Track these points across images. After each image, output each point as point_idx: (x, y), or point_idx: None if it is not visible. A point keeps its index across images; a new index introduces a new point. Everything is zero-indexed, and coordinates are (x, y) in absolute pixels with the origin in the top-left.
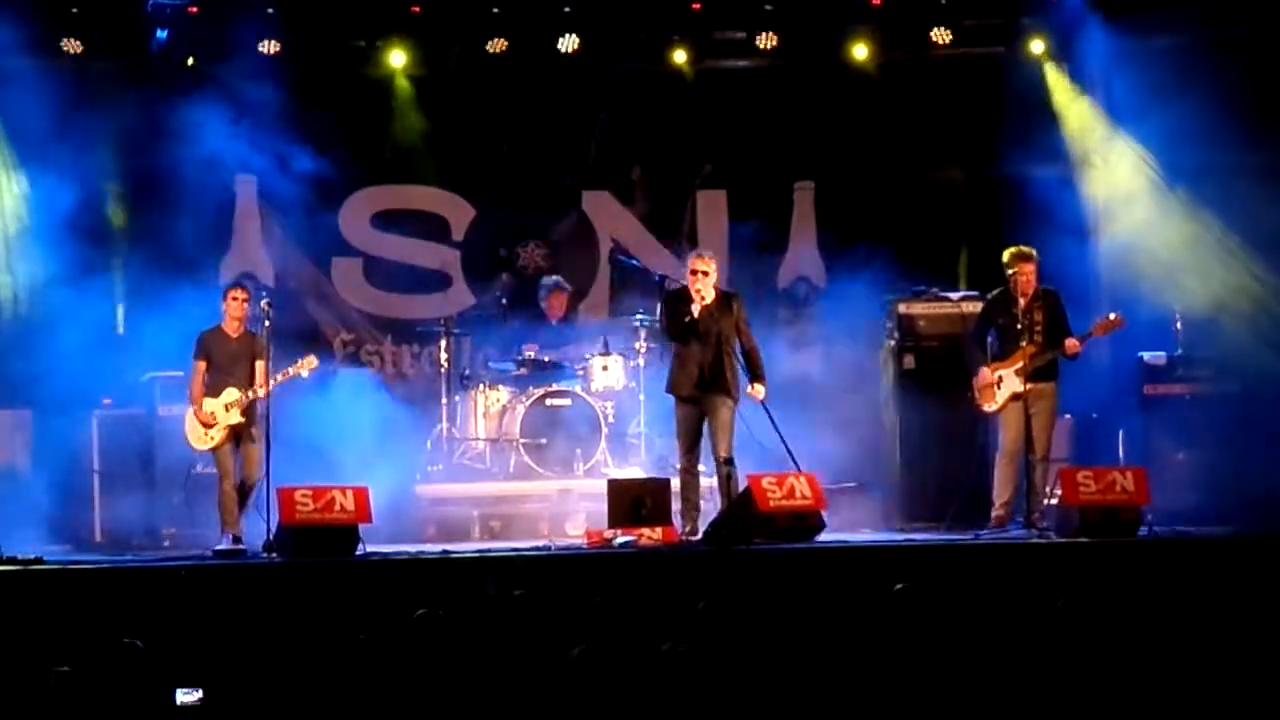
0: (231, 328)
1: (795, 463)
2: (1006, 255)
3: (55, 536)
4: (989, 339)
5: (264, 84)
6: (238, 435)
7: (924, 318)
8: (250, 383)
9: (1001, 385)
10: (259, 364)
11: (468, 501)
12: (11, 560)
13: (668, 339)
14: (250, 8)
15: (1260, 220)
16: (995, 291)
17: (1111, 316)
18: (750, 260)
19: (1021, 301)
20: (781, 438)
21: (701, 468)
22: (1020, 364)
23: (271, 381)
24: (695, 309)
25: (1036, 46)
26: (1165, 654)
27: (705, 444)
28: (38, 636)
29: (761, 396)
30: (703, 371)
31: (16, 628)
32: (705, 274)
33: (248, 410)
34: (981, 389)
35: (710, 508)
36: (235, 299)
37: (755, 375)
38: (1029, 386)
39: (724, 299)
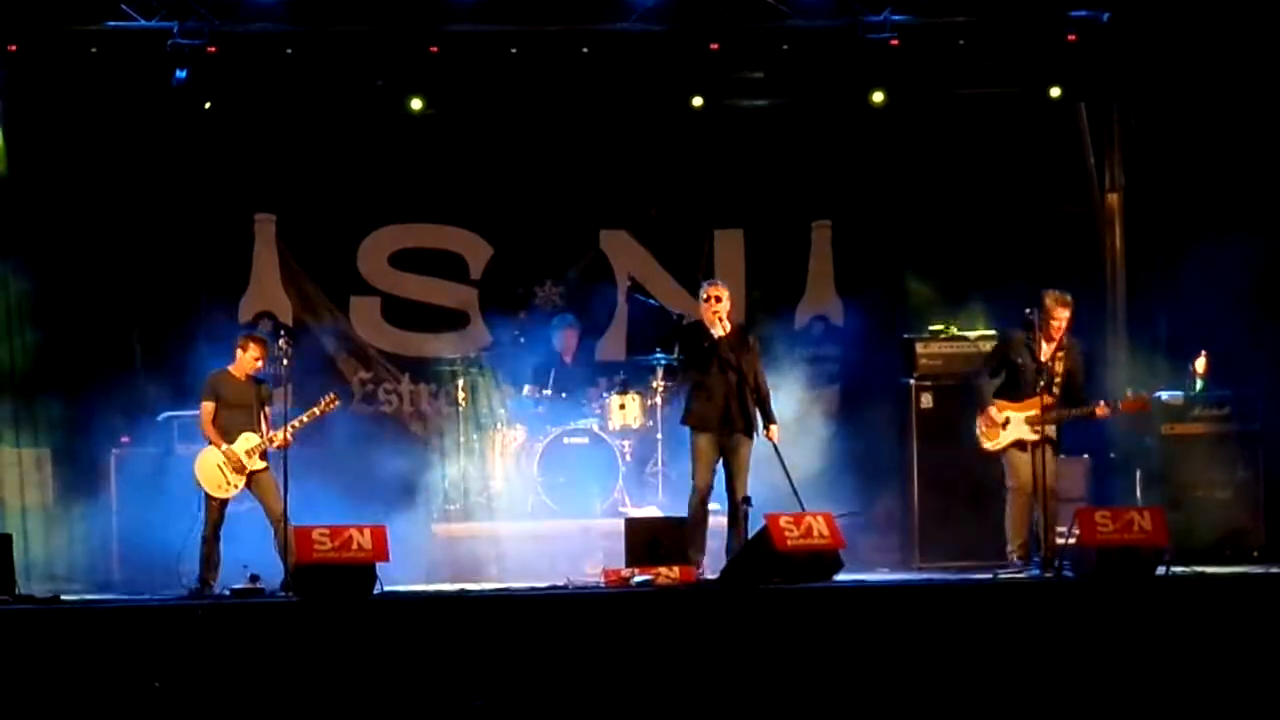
0: (240, 371)
1: (800, 502)
2: (1047, 298)
3: (73, 575)
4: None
5: (282, 122)
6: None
7: (941, 357)
8: (260, 426)
9: (1008, 427)
10: (266, 409)
11: (485, 541)
12: (30, 599)
13: (689, 371)
14: (269, 48)
15: None
16: (1019, 330)
17: (1143, 395)
18: (767, 299)
19: (1047, 347)
20: (789, 478)
21: (714, 505)
22: (1033, 412)
23: (296, 423)
24: (716, 333)
25: (1054, 89)
26: (1184, 694)
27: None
28: (55, 676)
29: (778, 438)
30: (729, 405)
31: (34, 667)
32: (719, 299)
33: (266, 454)
34: (987, 427)
35: (715, 545)
36: (253, 354)
37: (770, 417)
38: (1037, 433)
39: (742, 333)
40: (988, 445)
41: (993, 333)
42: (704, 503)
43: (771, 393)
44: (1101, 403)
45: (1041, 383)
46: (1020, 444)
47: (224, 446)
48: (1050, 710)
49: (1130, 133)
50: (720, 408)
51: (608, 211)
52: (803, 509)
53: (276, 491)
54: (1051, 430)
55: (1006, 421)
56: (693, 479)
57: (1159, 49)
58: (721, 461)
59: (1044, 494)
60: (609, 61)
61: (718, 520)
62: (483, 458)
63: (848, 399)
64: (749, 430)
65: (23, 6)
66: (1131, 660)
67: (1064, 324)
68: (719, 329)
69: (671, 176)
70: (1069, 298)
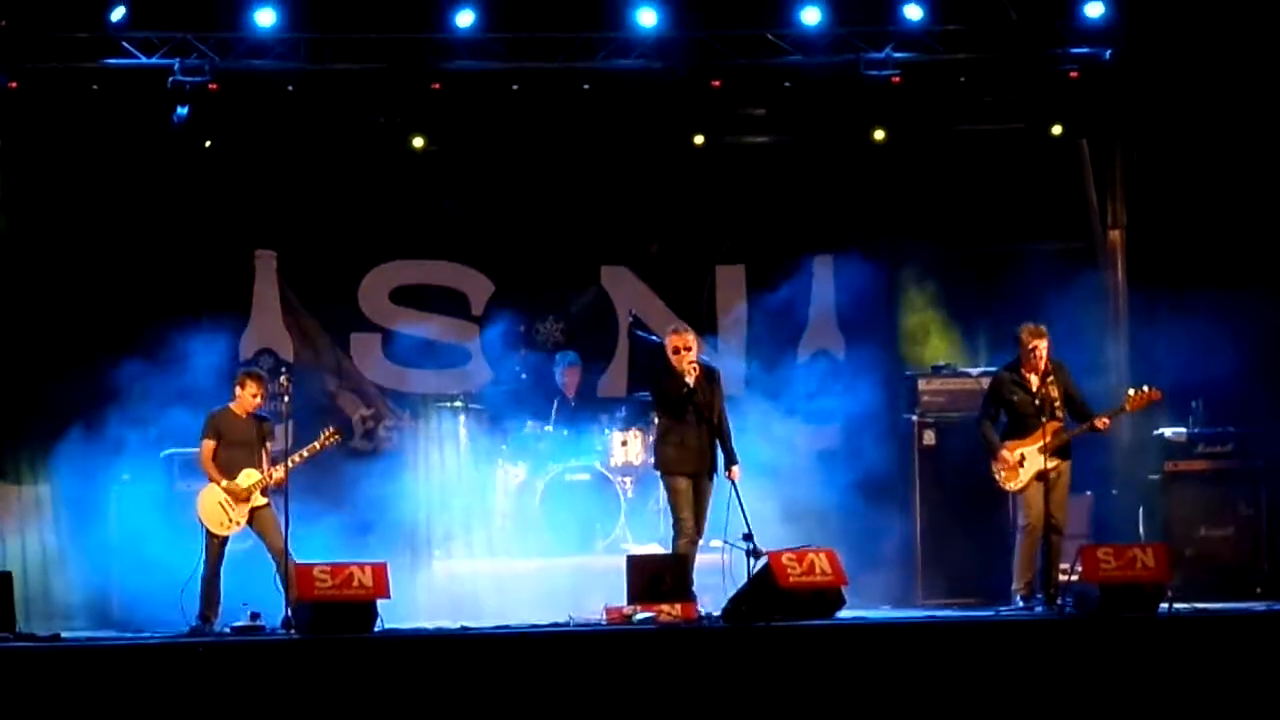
0: (241, 409)
1: (754, 543)
2: (1023, 333)
3: (73, 613)
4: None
5: (283, 159)
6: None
7: (944, 393)
8: (261, 463)
9: (1025, 464)
10: (268, 446)
11: (487, 578)
12: (30, 636)
13: (662, 417)
14: (270, 85)
15: None
16: (1001, 370)
17: (1146, 389)
18: (769, 334)
19: (1034, 378)
20: (745, 518)
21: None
22: (1043, 442)
23: (297, 457)
24: (690, 381)
25: (1056, 126)
26: None
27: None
28: (55, 714)
29: (739, 478)
30: (701, 448)
31: (34, 705)
32: (689, 349)
33: (266, 490)
34: (1005, 470)
35: (715, 581)
36: (251, 391)
37: (732, 456)
38: (1052, 464)
39: (709, 373)
40: (1010, 486)
41: (995, 369)
42: (692, 542)
43: (772, 428)
44: (1100, 419)
45: (1043, 413)
46: (1041, 474)
47: (224, 483)
48: None
49: (1133, 170)
50: (693, 452)
51: (609, 248)
52: (755, 549)
53: (277, 527)
54: (1065, 463)
55: (1022, 459)
56: (676, 521)
57: (1162, 86)
58: None
59: (1046, 528)
60: (610, 99)
61: (708, 558)
62: (484, 494)
63: (850, 435)
64: (714, 470)
65: (24, 44)
66: (1134, 697)
67: (1043, 352)
68: (692, 377)
69: (673, 213)
70: (1043, 327)
